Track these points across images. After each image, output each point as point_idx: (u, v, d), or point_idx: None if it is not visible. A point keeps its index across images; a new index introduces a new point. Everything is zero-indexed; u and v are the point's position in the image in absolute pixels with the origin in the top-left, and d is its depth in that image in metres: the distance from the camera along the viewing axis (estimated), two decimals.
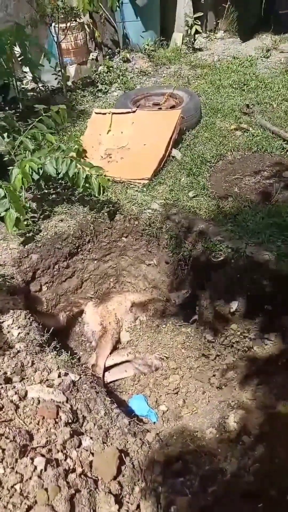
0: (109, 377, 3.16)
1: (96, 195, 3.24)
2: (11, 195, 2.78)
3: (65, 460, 1.59)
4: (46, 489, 1.43)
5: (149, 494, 1.56)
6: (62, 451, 1.61)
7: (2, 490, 1.40)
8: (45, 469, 1.49)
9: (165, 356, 3.12)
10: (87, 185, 3.15)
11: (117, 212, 3.64)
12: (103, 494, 1.51)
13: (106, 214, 3.59)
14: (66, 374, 2.11)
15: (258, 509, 1.48)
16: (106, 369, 3.20)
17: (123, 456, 1.67)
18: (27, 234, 3.35)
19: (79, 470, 1.57)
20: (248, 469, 1.64)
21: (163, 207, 3.56)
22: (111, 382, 3.16)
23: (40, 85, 5.91)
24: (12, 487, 1.41)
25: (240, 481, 1.59)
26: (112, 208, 3.62)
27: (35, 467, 1.49)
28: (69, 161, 3.09)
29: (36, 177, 3.10)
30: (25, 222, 3.31)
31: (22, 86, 6.02)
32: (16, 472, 1.45)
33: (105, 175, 3.82)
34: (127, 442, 1.82)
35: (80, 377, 2.16)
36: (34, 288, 3.37)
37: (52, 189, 3.93)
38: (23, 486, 1.43)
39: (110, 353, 3.28)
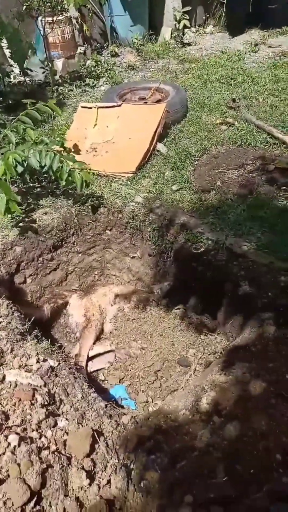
0: (92, 366, 3.22)
1: (79, 190, 3.28)
2: None
3: (40, 438, 1.65)
4: (18, 464, 1.49)
5: (120, 469, 1.63)
6: (37, 430, 1.67)
7: None
8: (19, 446, 1.55)
9: (146, 346, 3.18)
10: (70, 178, 3.18)
11: (101, 205, 3.68)
12: (75, 470, 1.57)
13: (89, 207, 3.64)
14: (45, 360, 2.17)
15: (224, 483, 1.55)
16: (90, 359, 3.26)
17: (97, 436, 1.73)
18: (20, 224, 3.39)
19: (53, 447, 1.63)
20: (217, 446, 1.71)
21: (146, 200, 3.61)
22: (94, 371, 3.22)
23: (27, 79, 5.93)
24: None
25: (208, 458, 1.66)
26: (95, 201, 3.66)
27: (9, 444, 1.55)
28: (52, 155, 3.13)
29: (20, 169, 3.14)
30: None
31: (9, 80, 6.03)
32: None
33: (89, 169, 3.87)
34: (102, 423, 1.88)
35: (59, 363, 2.22)
36: (18, 280, 3.41)
37: (37, 183, 3.97)
38: None
39: (94, 343, 3.34)
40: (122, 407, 2.81)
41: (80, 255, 3.78)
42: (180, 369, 2.95)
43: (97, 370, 3.22)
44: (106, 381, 3.11)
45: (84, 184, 3.27)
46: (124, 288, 3.70)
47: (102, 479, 1.59)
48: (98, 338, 3.37)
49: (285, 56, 6.33)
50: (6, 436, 1.57)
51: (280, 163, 3.88)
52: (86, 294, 3.62)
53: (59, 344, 2.71)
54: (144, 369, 3.07)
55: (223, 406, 1.93)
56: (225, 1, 7.45)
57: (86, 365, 3.16)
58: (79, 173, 3.22)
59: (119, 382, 3.08)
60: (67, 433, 1.74)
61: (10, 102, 5.52)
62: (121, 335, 3.32)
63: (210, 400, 1.96)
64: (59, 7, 5.64)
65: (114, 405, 2.19)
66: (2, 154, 3.30)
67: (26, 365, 2.07)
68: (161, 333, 3.19)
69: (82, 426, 1.81)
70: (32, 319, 2.67)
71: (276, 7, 7.79)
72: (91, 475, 1.60)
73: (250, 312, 2.65)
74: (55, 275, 3.67)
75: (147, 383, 2.95)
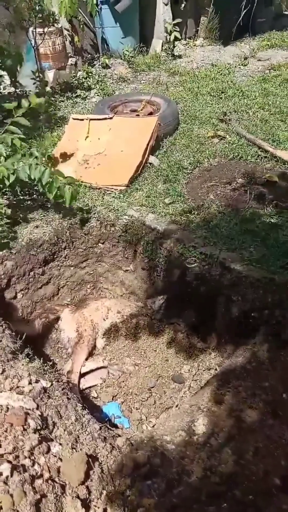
0: (84, 383, 3.17)
1: (67, 204, 3.25)
2: None
3: (33, 466, 1.60)
4: (11, 495, 1.44)
5: (116, 497, 1.58)
6: (29, 457, 1.62)
7: None
8: (11, 475, 1.50)
9: (140, 362, 3.14)
10: (59, 193, 3.16)
11: (92, 218, 3.65)
12: (70, 499, 1.52)
13: (78, 220, 3.61)
14: (37, 381, 2.12)
15: (223, 509, 1.52)
16: (82, 375, 3.20)
17: (92, 461, 1.69)
18: (2, 241, 3.34)
19: (46, 475, 1.58)
20: (214, 470, 1.68)
21: (139, 213, 3.60)
22: (86, 388, 3.17)
23: (17, 90, 5.90)
24: None
25: (206, 482, 1.63)
26: (85, 216, 3.63)
27: (1, 473, 1.50)
28: (42, 169, 3.10)
29: (7, 182, 3.10)
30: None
31: None
32: None
33: (82, 182, 3.85)
34: (97, 447, 1.84)
35: (52, 384, 2.17)
36: (9, 295, 3.36)
37: (27, 195, 3.93)
38: None
39: (86, 359, 3.29)
40: (116, 425, 2.76)
41: (72, 268, 3.74)
42: (175, 385, 2.92)
43: (90, 387, 3.17)
44: (98, 398, 3.06)
45: (72, 200, 3.25)
46: (117, 301, 3.66)
47: (98, 508, 1.55)
48: (90, 354, 3.31)
49: (274, 70, 6.42)
50: None
51: (271, 177, 3.90)
52: (78, 309, 3.57)
53: (51, 362, 2.66)
54: (137, 386, 3.03)
55: (219, 428, 1.90)
56: (215, 14, 7.56)
57: (79, 382, 3.10)
58: (69, 189, 3.20)
59: (112, 399, 3.03)
60: (61, 459, 1.69)
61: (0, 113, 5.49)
62: (114, 350, 3.28)
63: (206, 422, 1.93)
64: (50, 18, 5.64)
65: (108, 425, 2.15)
66: None
67: (18, 387, 2.02)
68: (154, 349, 3.16)
69: (76, 450, 1.76)
70: (24, 336, 2.62)
71: (264, 20, 7.96)
72: (86, 504, 1.55)
73: (244, 328, 2.64)
74: (47, 290, 3.62)
75: (141, 400, 2.91)
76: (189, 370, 2.92)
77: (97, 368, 3.23)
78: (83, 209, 3.67)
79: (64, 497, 1.54)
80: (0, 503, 1.41)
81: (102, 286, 3.90)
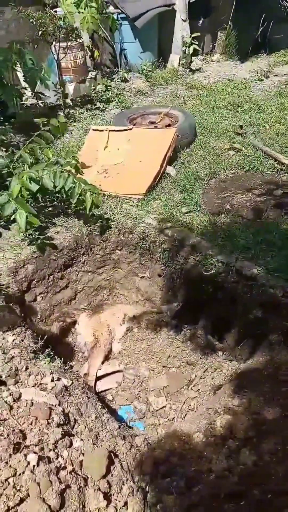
0: (100, 386, 3.22)
1: (87, 211, 3.34)
2: (15, 199, 2.89)
3: (57, 458, 1.65)
4: (38, 483, 1.49)
5: (137, 492, 1.62)
6: (53, 450, 1.67)
7: None
8: (38, 465, 1.55)
9: (155, 367, 3.19)
10: (81, 198, 3.26)
11: (111, 226, 3.74)
12: (92, 491, 1.57)
13: (98, 227, 3.70)
14: (58, 379, 2.18)
15: (241, 508, 1.55)
16: (98, 378, 3.26)
17: (113, 457, 1.73)
18: (34, 242, 3.43)
19: (69, 468, 1.63)
20: (232, 470, 1.71)
21: (157, 222, 3.67)
22: (102, 391, 3.21)
23: (39, 101, 6.09)
24: (5, 480, 1.48)
25: (224, 482, 1.66)
26: (105, 223, 3.73)
27: (28, 463, 1.55)
28: (66, 175, 3.21)
29: (34, 188, 3.21)
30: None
31: (22, 102, 6.19)
32: (10, 466, 1.52)
33: (101, 190, 3.94)
34: (117, 444, 1.88)
35: (72, 382, 2.23)
36: (29, 298, 3.44)
37: (48, 202, 4.04)
38: (16, 480, 1.49)
39: (102, 363, 3.34)
40: (131, 428, 2.80)
41: (89, 274, 3.81)
42: (189, 390, 2.94)
43: (105, 390, 3.21)
44: (114, 401, 3.10)
45: (93, 207, 3.35)
46: (132, 307, 3.72)
47: (119, 501, 1.59)
48: (106, 358, 3.37)
49: None
50: (25, 455, 1.57)
51: None
52: (94, 313, 3.64)
53: (70, 365, 2.72)
54: (152, 390, 3.06)
55: (237, 430, 1.93)
56: (232, 31, 7.72)
57: (95, 384, 3.15)
58: (90, 196, 3.30)
59: (127, 403, 3.06)
60: (83, 454, 1.74)
61: (22, 123, 5.66)
62: (130, 355, 3.33)
63: (224, 423, 1.97)
64: (73, 33, 5.83)
65: (126, 425, 2.19)
66: (16, 174, 3.38)
67: (41, 384, 2.08)
68: (170, 354, 3.20)
69: (97, 446, 1.81)
70: (45, 337, 2.69)
71: (282, 36, 8.10)
72: (107, 497, 1.60)
73: (260, 335, 2.67)
74: (65, 294, 3.69)
75: (156, 403, 2.94)
76: (203, 376, 2.95)
77: (113, 372, 3.28)
78: (103, 217, 3.76)
79: (86, 489, 1.59)
80: (27, 490, 1.46)
81: (118, 292, 3.96)
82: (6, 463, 1.52)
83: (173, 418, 2.76)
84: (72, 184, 3.25)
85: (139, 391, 3.10)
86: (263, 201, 3.89)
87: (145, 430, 2.79)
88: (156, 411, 2.90)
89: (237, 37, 7.79)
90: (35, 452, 1.61)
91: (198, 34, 7.51)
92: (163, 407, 2.89)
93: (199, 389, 2.88)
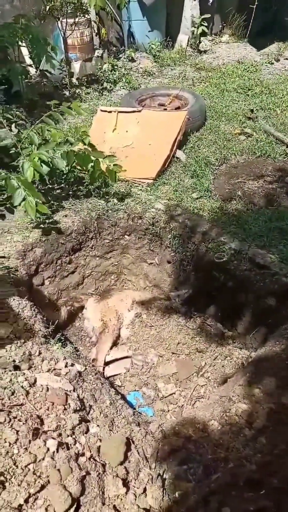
0: (108, 371, 3.21)
1: (115, 182, 3.40)
2: (25, 184, 2.83)
3: (75, 444, 1.65)
4: (58, 470, 1.48)
5: (155, 479, 1.62)
6: (71, 436, 1.66)
7: (16, 469, 1.45)
8: (57, 451, 1.54)
9: (164, 353, 3.18)
10: (103, 173, 3.25)
11: (120, 210, 3.69)
12: (111, 478, 1.57)
13: (116, 201, 3.70)
14: (72, 365, 2.16)
15: (261, 496, 1.55)
16: (106, 364, 3.25)
17: (130, 443, 1.73)
18: (41, 226, 3.38)
19: (88, 454, 1.62)
20: (250, 459, 1.71)
21: (167, 207, 3.62)
22: (110, 376, 3.21)
23: (44, 79, 5.94)
24: (26, 466, 1.47)
25: (242, 470, 1.66)
26: (121, 196, 3.72)
27: (48, 449, 1.54)
28: (82, 154, 3.14)
29: (46, 170, 3.14)
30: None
31: (27, 80, 6.04)
32: (30, 452, 1.51)
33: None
34: (132, 430, 1.88)
35: (86, 368, 2.22)
36: (37, 282, 3.40)
37: (56, 184, 3.97)
38: (36, 466, 1.48)
39: (111, 349, 3.33)
40: (141, 414, 2.80)
41: (97, 259, 3.77)
42: (199, 378, 2.94)
43: (114, 376, 3.21)
44: (123, 387, 3.10)
45: (116, 176, 3.38)
46: (140, 293, 3.70)
47: (138, 488, 1.59)
48: (115, 344, 3.36)
49: None
50: (45, 441, 1.56)
51: None
52: (102, 299, 3.62)
53: (78, 351, 2.71)
54: (161, 377, 3.06)
55: (253, 418, 1.93)
56: (242, 11, 7.51)
57: (103, 370, 3.15)
58: (112, 168, 3.28)
59: (136, 388, 3.07)
60: (100, 440, 1.73)
61: (27, 102, 5.53)
62: (138, 341, 3.32)
63: (240, 412, 1.96)
64: (81, 9, 5.66)
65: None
66: (26, 155, 3.30)
67: (55, 369, 2.07)
68: (179, 341, 3.19)
69: (113, 433, 1.80)
70: (56, 322, 2.66)
71: None
72: (126, 484, 1.59)
73: (273, 324, 2.66)
74: (73, 278, 3.66)
75: (166, 389, 2.95)
76: (212, 364, 2.94)
77: (121, 358, 3.27)
78: (119, 193, 3.73)
79: (105, 475, 1.59)
80: (47, 477, 1.46)
81: (126, 278, 3.93)
82: (26, 449, 1.51)
83: (182, 405, 2.77)
84: (92, 162, 3.20)
85: (147, 377, 3.09)
86: (275, 188, 3.84)
87: (154, 416, 2.80)
88: (165, 397, 2.90)
89: (247, 18, 7.57)
90: (53, 438, 1.60)
91: (209, 15, 7.29)
92: (173, 393, 2.89)
93: (208, 377, 2.87)
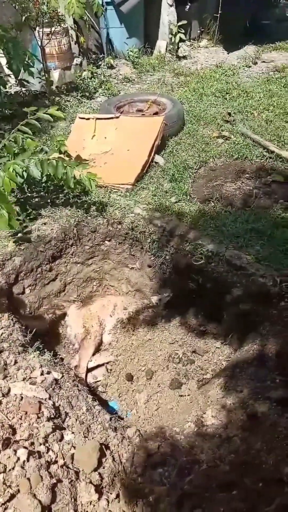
0: (91, 377, 3.20)
1: (91, 188, 3.36)
2: None
3: (47, 452, 1.64)
4: (28, 479, 1.48)
5: (128, 484, 1.62)
6: (44, 444, 1.66)
7: None
8: (28, 460, 1.54)
9: (146, 357, 3.18)
10: (78, 181, 3.23)
11: (99, 216, 3.69)
12: (84, 484, 1.56)
13: (95, 209, 3.69)
14: (48, 372, 2.16)
15: (233, 497, 1.56)
16: (89, 370, 3.24)
17: (104, 449, 1.72)
18: (18, 235, 3.38)
19: (60, 462, 1.62)
20: (223, 459, 1.72)
21: (146, 212, 3.63)
22: (93, 382, 3.20)
23: (23, 89, 5.95)
24: None
25: (216, 471, 1.67)
26: (100, 206, 3.70)
27: (18, 458, 1.53)
28: (54, 163, 3.15)
29: (20, 180, 3.14)
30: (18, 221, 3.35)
31: (5, 90, 6.03)
32: (0, 462, 1.50)
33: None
34: (108, 436, 1.88)
35: (63, 375, 2.21)
36: (17, 291, 3.39)
37: (35, 193, 3.96)
38: (6, 476, 1.48)
39: (93, 355, 3.33)
40: (122, 418, 2.80)
41: (79, 265, 3.77)
42: (178, 380, 2.94)
43: (96, 382, 3.20)
44: (105, 393, 3.09)
45: (92, 183, 3.33)
46: (123, 298, 3.70)
47: (111, 494, 1.58)
48: (97, 350, 3.35)
49: (279, 72, 6.47)
50: (15, 451, 1.55)
51: (277, 176, 3.95)
52: (84, 305, 3.61)
53: (61, 358, 2.70)
54: (142, 383, 3.06)
55: (228, 419, 1.94)
56: (219, 16, 7.61)
57: (86, 376, 3.14)
58: (85, 175, 3.27)
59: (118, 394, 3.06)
60: (74, 447, 1.73)
61: (6, 111, 5.53)
62: (120, 346, 3.31)
63: (215, 413, 1.97)
64: (57, 18, 5.68)
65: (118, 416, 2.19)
66: (1, 164, 3.30)
67: (30, 378, 2.06)
68: (160, 345, 3.19)
69: (88, 439, 1.80)
70: (34, 330, 2.66)
71: (269, 23, 8.01)
72: (99, 490, 1.59)
73: (250, 326, 2.67)
74: (54, 286, 3.65)
75: (147, 394, 2.94)
76: (193, 368, 2.94)
77: (104, 364, 3.26)
78: (96, 203, 3.72)
79: (78, 482, 1.58)
80: (17, 486, 1.45)
81: (108, 283, 3.93)
82: None
83: (158, 408, 2.76)
84: (64, 170, 3.19)
85: (128, 384, 3.08)
86: (252, 189, 3.88)
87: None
88: (145, 402, 2.89)
89: (225, 22, 7.68)
90: (25, 447, 1.59)
91: (185, 22, 7.38)
92: (154, 392, 2.89)
93: (188, 380, 2.88)
